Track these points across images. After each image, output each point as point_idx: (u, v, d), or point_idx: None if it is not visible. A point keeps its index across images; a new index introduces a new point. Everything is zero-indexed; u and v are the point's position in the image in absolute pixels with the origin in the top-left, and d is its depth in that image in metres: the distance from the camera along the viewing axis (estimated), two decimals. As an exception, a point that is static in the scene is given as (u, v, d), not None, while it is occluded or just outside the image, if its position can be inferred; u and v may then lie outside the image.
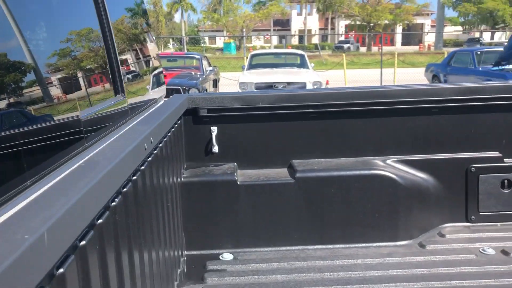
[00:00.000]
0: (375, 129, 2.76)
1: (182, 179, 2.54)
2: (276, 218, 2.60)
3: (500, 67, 13.52)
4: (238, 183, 2.57)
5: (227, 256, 2.53)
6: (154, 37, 3.12)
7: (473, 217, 2.79)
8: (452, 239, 2.62)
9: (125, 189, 1.30)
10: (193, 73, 13.40)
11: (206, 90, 13.02)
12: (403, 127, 2.75)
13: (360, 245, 2.62)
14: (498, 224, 2.79)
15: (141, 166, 1.52)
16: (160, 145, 1.88)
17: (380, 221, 2.62)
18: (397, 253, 2.49)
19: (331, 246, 2.61)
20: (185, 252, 2.55)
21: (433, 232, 2.72)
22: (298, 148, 2.76)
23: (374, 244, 2.62)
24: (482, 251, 2.48)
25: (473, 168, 2.75)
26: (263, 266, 2.40)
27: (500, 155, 2.76)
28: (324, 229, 2.61)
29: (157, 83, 2.85)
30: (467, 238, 2.62)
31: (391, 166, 2.71)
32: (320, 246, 2.61)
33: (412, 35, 60.63)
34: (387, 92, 2.72)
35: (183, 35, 53.55)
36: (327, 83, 14.18)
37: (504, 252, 2.46)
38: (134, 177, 1.42)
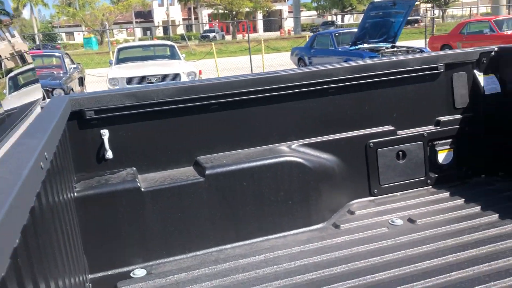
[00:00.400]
0: (277, 115, 2.69)
1: (74, 194, 2.19)
2: (188, 222, 2.40)
3: (356, 47, 14.63)
4: (142, 189, 2.31)
5: (139, 272, 2.27)
6: (15, 32, 2.65)
7: (376, 190, 2.89)
8: (362, 215, 2.67)
9: (24, 223, 1.01)
10: (55, 72, 12.23)
11: (72, 90, 12.01)
12: (303, 110, 2.72)
13: (277, 235, 2.54)
14: (398, 194, 2.92)
15: (38, 189, 1.22)
16: (51, 159, 1.56)
17: (294, 208, 2.57)
18: (315, 238, 2.46)
19: (249, 242, 2.49)
20: (89, 276, 2.23)
21: (343, 211, 2.75)
22: (202, 143, 2.57)
23: (291, 232, 2.56)
24: (391, 223, 2.56)
25: (371, 144, 2.83)
26: (182, 276, 2.19)
27: (393, 128, 2.88)
28: (240, 225, 2.48)
29: (25, 84, 2.43)
30: (375, 212, 2.70)
31: (297, 151, 2.67)
32: (238, 244, 2.48)
33: (273, 21, 63.12)
34: (285, 77, 2.66)
35: (36, 32, 48.94)
36: (200, 73, 14.02)
37: (410, 220, 2.57)
38: (32, 205, 1.12)
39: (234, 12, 55.67)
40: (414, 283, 1.96)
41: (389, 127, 2.88)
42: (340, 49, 15.74)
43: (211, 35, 49.04)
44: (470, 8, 41.27)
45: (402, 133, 2.90)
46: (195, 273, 2.21)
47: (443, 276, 1.99)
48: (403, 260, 2.16)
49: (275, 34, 49.28)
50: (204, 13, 64.08)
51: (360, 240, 2.39)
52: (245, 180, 2.46)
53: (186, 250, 2.39)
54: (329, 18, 58.53)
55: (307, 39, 19.51)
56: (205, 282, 2.11)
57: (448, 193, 2.87)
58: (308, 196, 2.60)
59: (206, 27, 57.96)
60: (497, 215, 2.52)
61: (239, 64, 19.77)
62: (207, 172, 2.40)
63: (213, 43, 25.11)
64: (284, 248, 2.38)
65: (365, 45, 14.50)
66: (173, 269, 2.25)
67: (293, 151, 2.66)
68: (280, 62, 19.37)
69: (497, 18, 18.03)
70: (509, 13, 29.54)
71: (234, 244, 2.47)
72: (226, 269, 2.22)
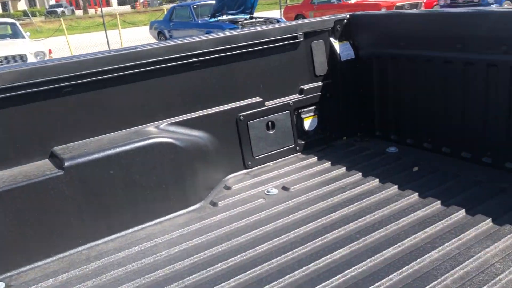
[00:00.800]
0: (140, 94, 2.50)
1: None
2: (49, 222, 2.13)
3: (216, 19, 14.62)
4: None
5: None
6: None
7: (249, 163, 2.89)
8: (239, 189, 2.66)
9: None
10: None
11: None
12: (169, 87, 2.58)
13: (153, 222, 2.40)
14: (271, 163, 2.96)
15: None
16: None
17: (169, 192, 2.44)
18: (193, 219, 2.38)
19: (123, 233, 2.32)
20: None
21: (219, 188, 2.71)
22: (57, 132, 2.29)
23: (168, 217, 2.44)
24: (267, 193, 2.59)
25: (241, 117, 2.81)
26: (49, 283, 1.96)
27: (261, 99, 2.89)
28: (111, 217, 2.29)
29: None
30: (251, 185, 2.70)
31: (167, 131, 2.53)
32: (111, 237, 2.29)
33: (127, -6, 60.02)
34: (145, 52, 2.47)
35: None
36: (49, 52, 12.80)
37: (285, 188, 2.63)
38: None
39: (83, -15, 51.66)
40: (294, 250, 2.00)
41: (257, 99, 2.88)
42: (200, 22, 15.61)
43: (59, 10, 45.02)
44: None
45: (269, 103, 2.93)
46: (64, 277, 1.98)
47: (320, 239, 2.07)
48: (282, 228, 2.19)
49: (129, 7, 46.99)
50: (48, -14, 58.38)
51: (238, 215, 2.37)
52: (111, 168, 2.26)
53: (50, 254, 2.14)
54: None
55: (165, 12, 18.94)
56: (76, 286, 1.91)
57: (316, 157, 2.99)
58: (183, 177, 2.49)
59: (52, 2, 52.99)
60: (360, 173, 2.70)
61: (94, 41, 18.48)
62: (66, 163, 2.15)
63: (62, 19, 23.05)
64: (162, 234, 2.26)
65: (224, 17, 14.57)
66: (37, 277, 2.00)
67: (162, 132, 2.52)
68: (138, 37, 18.57)
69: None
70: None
71: (107, 238, 2.28)
72: (99, 267, 2.04)
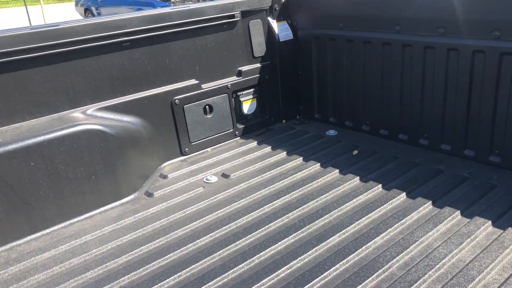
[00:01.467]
0: (64, 76, 2.26)
1: None
2: None
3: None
4: None
5: None
6: None
7: (186, 149, 2.74)
8: (176, 178, 2.51)
9: None
10: None
11: None
12: (95, 68, 2.36)
13: (83, 217, 2.20)
14: (209, 149, 2.83)
15: None
16: None
17: (99, 183, 2.25)
18: (127, 212, 2.21)
19: (48, 231, 2.10)
20: None
21: (155, 177, 2.54)
22: None
23: (99, 211, 2.25)
24: (206, 181, 2.46)
25: (177, 101, 2.64)
26: None
27: (198, 82, 2.74)
28: (33, 213, 2.06)
29: None
30: (189, 172, 2.56)
31: (94, 117, 2.32)
32: (33, 236, 2.07)
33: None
34: (68, 30, 2.23)
35: None
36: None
37: (224, 175, 2.51)
38: None
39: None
40: (237, 242, 1.90)
41: (193, 81, 2.73)
42: (130, -1, 14.92)
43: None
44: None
45: (206, 86, 2.78)
46: None
47: (263, 229, 1.98)
48: (223, 219, 2.09)
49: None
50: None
51: (176, 206, 2.23)
52: (32, 160, 2.03)
53: None
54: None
55: (92, -12, 17.93)
56: None
57: (256, 142, 2.90)
58: (114, 167, 2.30)
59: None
60: (301, 158, 2.64)
61: (13, 18, 17.15)
62: None
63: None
64: (93, 230, 2.07)
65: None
66: None
67: (90, 118, 2.30)
68: (65, 15, 17.46)
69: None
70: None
71: (29, 238, 2.05)
72: (21, 271, 1.83)
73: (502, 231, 1.84)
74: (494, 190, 2.15)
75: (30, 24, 16.77)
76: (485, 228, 1.87)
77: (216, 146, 2.87)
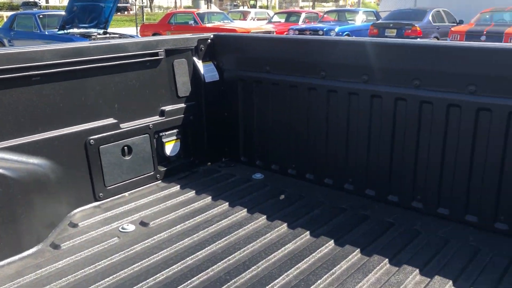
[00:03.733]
0: None
1: None
2: None
3: (65, 31, 13.51)
4: None
5: None
6: None
7: (101, 194, 2.50)
8: (88, 226, 2.26)
9: None
10: None
11: None
12: None
13: None
14: (127, 194, 2.61)
15: None
16: None
17: None
18: (28, 268, 1.92)
19: None
20: None
21: (63, 225, 2.27)
22: None
23: None
24: (122, 230, 2.24)
25: (91, 141, 2.42)
26: None
27: (116, 121, 2.54)
28: None
29: None
30: (102, 220, 2.32)
31: None
32: None
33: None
34: None
35: None
36: None
37: (143, 223, 2.31)
38: None
39: None
40: None
41: (111, 120, 2.53)
42: (46, 33, 14.31)
43: None
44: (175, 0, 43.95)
45: (126, 126, 2.59)
46: None
47: (185, 284, 1.80)
48: (140, 274, 1.88)
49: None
50: None
51: (87, 260, 1.99)
52: None
53: None
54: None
55: (5, 20, 17.01)
56: None
57: (179, 186, 2.73)
58: (15, 215, 2.02)
59: None
60: (227, 203, 2.51)
61: None
62: None
63: None
64: None
65: (75, 30, 13.55)
66: None
67: None
68: (-29, 45, 16.27)
69: (199, 11, 19.61)
70: (207, 7, 32.58)
71: None
72: None
73: (429, 279, 1.82)
74: (418, 237, 2.16)
75: None
76: (413, 277, 1.84)
77: (135, 190, 2.66)
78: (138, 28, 21.38)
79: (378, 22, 16.47)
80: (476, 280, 1.81)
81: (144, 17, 25.92)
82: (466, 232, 2.18)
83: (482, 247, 2.04)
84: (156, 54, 2.70)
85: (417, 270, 1.87)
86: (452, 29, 14.24)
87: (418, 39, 14.51)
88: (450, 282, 1.79)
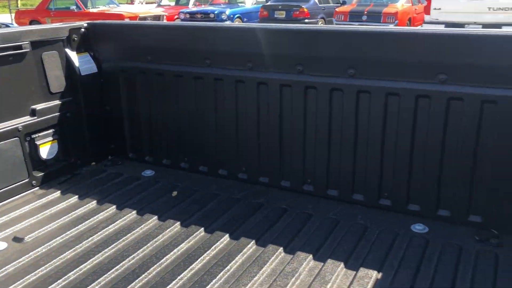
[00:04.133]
0: None
1: None
2: None
3: None
4: None
5: None
6: None
7: None
8: None
9: None
10: None
11: None
12: None
13: None
14: None
15: None
16: None
17: None
18: None
19: None
20: None
21: None
22: None
23: None
24: None
25: None
26: None
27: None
28: None
29: None
30: None
31: None
32: None
33: None
34: None
35: None
36: None
37: (17, 239, 2.06)
38: None
39: None
40: None
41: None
42: None
43: None
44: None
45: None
46: None
47: None
48: None
49: None
50: None
51: None
52: None
53: None
54: None
55: None
56: None
57: (59, 192, 2.48)
58: None
59: None
60: (114, 206, 2.33)
61: None
62: None
63: None
64: None
65: None
66: None
67: None
68: None
69: (81, -5, 18.32)
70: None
71: None
72: None
73: (322, 263, 1.84)
74: (310, 220, 2.18)
75: None
76: (307, 264, 1.84)
77: (6, 202, 2.37)
78: (13, 15, 19.45)
79: (267, 4, 16.69)
80: (366, 259, 1.86)
81: (19, 2, 23.67)
82: (355, 211, 2.25)
83: (370, 225, 2.12)
84: (20, 47, 2.40)
85: (311, 256, 1.88)
86: (337, 9, 14.89)
87: (306, 20, 15.00)
88: (342, 265, 1.83)
